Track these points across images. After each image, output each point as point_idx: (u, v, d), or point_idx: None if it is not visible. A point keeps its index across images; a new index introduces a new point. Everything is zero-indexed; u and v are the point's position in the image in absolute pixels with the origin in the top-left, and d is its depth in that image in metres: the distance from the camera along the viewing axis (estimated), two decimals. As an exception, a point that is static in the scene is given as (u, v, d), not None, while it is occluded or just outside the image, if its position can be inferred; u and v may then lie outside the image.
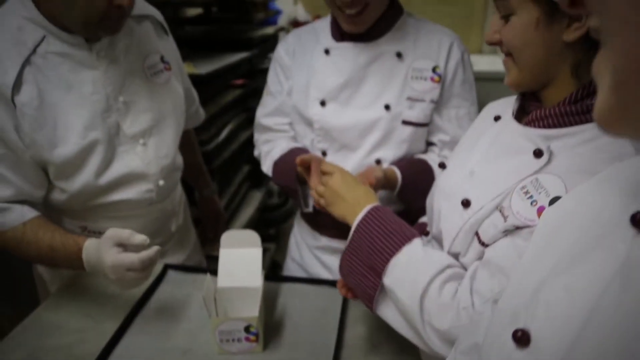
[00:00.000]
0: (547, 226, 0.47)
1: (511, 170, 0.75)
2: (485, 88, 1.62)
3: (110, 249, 0.96)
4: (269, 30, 2.91)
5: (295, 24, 3.31)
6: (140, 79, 1.17)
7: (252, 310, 0.99)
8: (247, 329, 0.96)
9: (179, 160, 1.34)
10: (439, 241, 0.88)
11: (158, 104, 1.21)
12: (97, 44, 1.08)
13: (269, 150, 1.40)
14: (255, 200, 2.77)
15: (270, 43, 2.99)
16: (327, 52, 1.25)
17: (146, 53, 1.20)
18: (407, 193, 1.20)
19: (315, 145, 1.31)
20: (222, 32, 2.56)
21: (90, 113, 1.08)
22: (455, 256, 0.82)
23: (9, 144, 1.02)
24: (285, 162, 1.33)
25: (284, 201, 3.19)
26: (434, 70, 1.20)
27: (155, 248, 0.96)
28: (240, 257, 1.08)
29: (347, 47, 1.23)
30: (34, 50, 1.01)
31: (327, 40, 1.26)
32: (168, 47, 1.29)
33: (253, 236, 1.10)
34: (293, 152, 1.31)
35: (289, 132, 1.43)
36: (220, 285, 1.05)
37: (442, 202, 0.88)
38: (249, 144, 2.70)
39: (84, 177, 1.10)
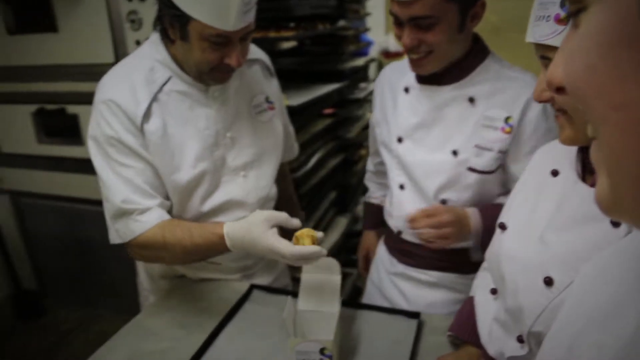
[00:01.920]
0: (583, 282, 0.48)
1: (589, 241, 0.73)
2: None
3: (267, 230, 1.04)
4: (360, 61, 3.01)
5: (386, 54, 3.38)
6: (247, 117, 1.31)
7: (328, 333, 1.04)
8: (322, 351, 1.02)
9: (274, 191, 1.45)
10: (514, 315, 0.85)
11: (260, 140, 1.34)
12: (213, 86, 1.23)
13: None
14: (340, 226, 2.84)
15: (361, 74, 3.09)
16: (406, 90, 1.30)
17: (253, 94, 1.33)
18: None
19: (394, 179, 1.36)
20: (314, 64, 2.69)
21: (202, 146, 1.22)
22: (538, 335, 0.80)
23: (145, 159, 1.17)
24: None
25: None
26: (506, 120, 1.17)
27: (312, 248, 1.01)
28: (321, 282, 1.15)
29: (424, 88, 1.26)
30: (161, 89, 1.18)
31: (410, 78, 1.30)
32: (273, 88, 1.42)
33: (334, 264, 1.15)
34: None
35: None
36: (300, 307, 1.12)
37: (516, 274, 0.84)
38: (337, 170, 2.81)
39: (192, 203, 1.25)
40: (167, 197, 1.22)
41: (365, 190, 1.77)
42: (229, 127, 1.27)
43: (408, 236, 1.38)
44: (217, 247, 1.11)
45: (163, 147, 1.17)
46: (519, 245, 0.86)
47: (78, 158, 2.46)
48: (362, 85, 3.14)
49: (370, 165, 1.68)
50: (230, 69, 1.16)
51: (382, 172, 1.63)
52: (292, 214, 1.68)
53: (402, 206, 1.35)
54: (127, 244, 1.19)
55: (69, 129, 2.51)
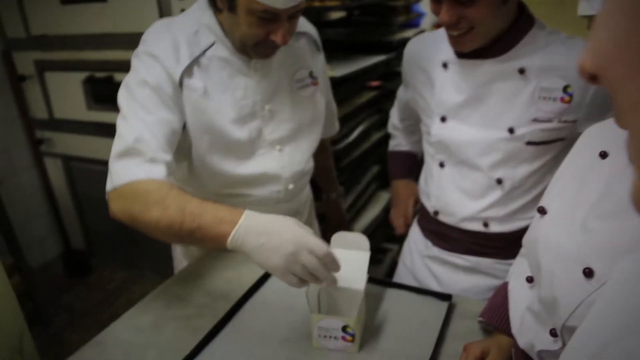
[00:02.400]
0: (619, 278, 0.42)
1: (636, 231, 0.66)
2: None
3: (296, 226, 0.92)
4: (409, 33, 2.90)
5: (438, 26, 3.24)
6: (288, 90, 1.27)
7: (351, 311, 1.01)
8: (344, 329, 0.99)
9: (310, 165, 1.41)
10: (548, 307, 0.79)
11: (299, 115, 1.30)
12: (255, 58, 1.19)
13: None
14: (382, 200, 2.79)
15: (409, 46, 2.98)
16: (445, 66, 1.20)
17: (297, 68, 1.29)
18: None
19: (434, 156, 1.29)
20: (361, 35, 2.61)
21: (237, 115, 1.19)
22: (573, 330, 0.74)
23: (171, 113, 1.10)
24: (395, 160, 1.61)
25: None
26: (565, 89, 1.07)
27: (330, 276, 0.93)
28: (348, 258, 1.11)
29: (466, 64, 1.16)
30: (204, 53, 1.14)
31: (447, 53, 1.20)
32: (318, 63, 1.37)
33: (363, 240, 1.11)
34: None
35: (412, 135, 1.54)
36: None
37: (553, 263, 0.78)
38: (380, 144, 2.74)
39: (224, 168, 1.22)
40: (174, 163, 1.13)
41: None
42: (268, 100, 1.23)
43: (445, 217, 1.31)
44: (220, 228, 0.94)
45: (201, 106, 1.14)
46: (558, 232, 0.78)
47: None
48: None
49: (397, 123, 1.60)
50: (274, 45, 1.12)
51: (415, 131, 1.57)
52: (330, 187, 1.74)
53: (441, 185, 1.29)
54: (115, 192, 1.05)
55: (116, 96, 2.54)
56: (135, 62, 1.13)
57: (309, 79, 1.31)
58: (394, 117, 1.61)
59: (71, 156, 2.90)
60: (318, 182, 1.71)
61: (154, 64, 1.10)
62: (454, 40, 1.11)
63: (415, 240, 1.47)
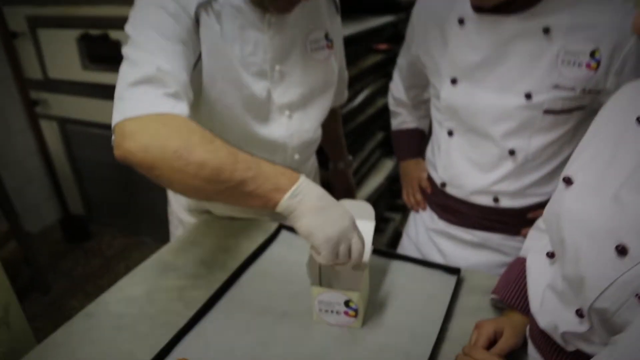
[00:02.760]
0: None
1: None
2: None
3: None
4: (419, -8, 2.76)
5: (449, -14, 3.09)
6: (301, 51, 1.16)
7: (355, 284, 0.95)
8: (347, 303, 0.93)
9: (318, 134, 1.32)
10: (574, 285, 0.72)
11: (311, 80, 1.19)
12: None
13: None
14: (386, 168, 2.72)
15: (419, 6, 2.85)
16: (461, 22, 1.09)
17: (313, 27, 1.17)
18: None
19: (442, 123, 1.20)
20: (368, -7, 2.48)
21: (242, 71, 1.07)
22: (602, 312, 0.66)
23: (187, 44, 0.95)
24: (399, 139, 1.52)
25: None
26: (592, 54, 0.96)
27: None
28: None
29: (484, 19, 1.05)
30: None
31: (464, 7, 1.08)
32: (335, 25, 1.26)
33: (367, 208, 1.04)
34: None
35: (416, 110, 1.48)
36: None
37: (579, 238, 0.70)
38: (386, 110, 2.64)
39: (234, 119, 1.10)
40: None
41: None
42: (279, 59, 1.11)
43: (453, 190, 1.24)
44: (279, 181, 0.82)
45: (220, 47, 1.01)
46: (586, 205, 0.71)
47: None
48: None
49: (401, 96, 1.47)
50: (295, 0, 1.02)
51: (420, 105, 1.48)
52: (338, 156, 1.65)
53: (449, 155, 1.21)
54: (131, 123, 0.82)
55: (112, 56, 2.45)
56: (137, 5, 0.96)
57: (324, 41, 1.20)
58: (397, 90, 1.49)
59: (67, 118, 2.81)
60: (325, 150, 1.62)
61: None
62: None
63: (421, 212, 1.40)
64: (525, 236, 1.19)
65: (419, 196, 1.42)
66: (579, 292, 0.71)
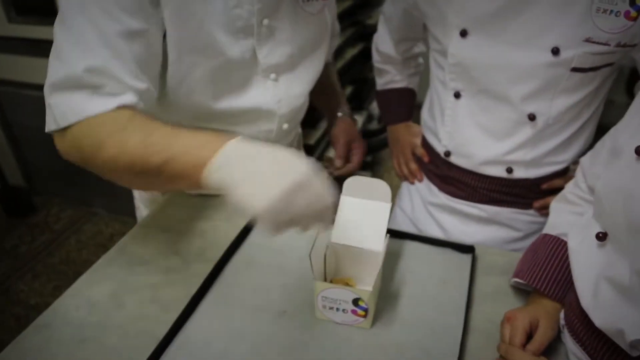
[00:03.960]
0: None
1: None
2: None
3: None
4: None
5: None
6: (291, 3, 0.97)
7: (366, 278, 0.81)
8: (355, 302, 0.79)
9: (307, 99, 1.14)
10: None
11: (301, 37, 1.01)
12: None
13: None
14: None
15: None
16: None
17: None
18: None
19: (448, 83, 1.05)
20: None
21: (225, 29, 0.88)
22: None
23: (144, 16, 0.77)
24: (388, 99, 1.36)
25: (384, 127, 2.96)
26: (632, 2, 0.82)
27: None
28: (365, 210, 0.89)
29: None
30: None
31: None
32: None
33: (383, 187, 0.88)
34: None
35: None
36: (334, 240, 0.87)
37: None
38: (355, 62, 2.48)
39: (207, 95, 0.93)
40: (151, 90, 0.85)
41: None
42: (267, 12, 0.92)
43: (459, 160, 1.10)
44: (199, 154, 0.66)
45: (187, 7, 0.81)
46: None
47: (57, 41, 2.14)
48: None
49: (389, 50, 1.28)
50: None
51: (411, 60, 1.32)
52: (336, 104, 1.31)
53: (456, 120, 1.06)
54: (60, 131, 0.78)
55: (42, 5, 2.15)
56: None
57: None
58: (384, 44, 1.29)
59: (-4, 79, 2.50)
60: (318, 105, 1.31)
61: None
62: None
63: (416, 182, 1.27)
64: (537, 209, 1.09)
65: (413, 165, 1.28)
66: None
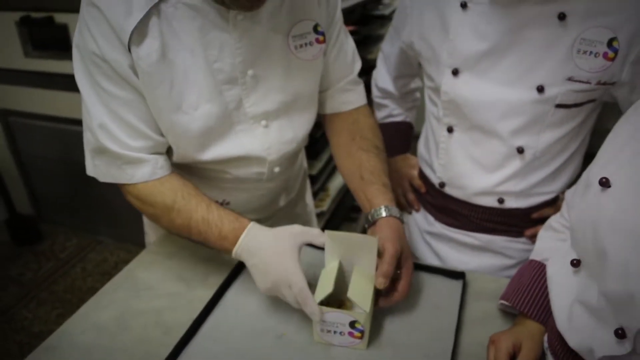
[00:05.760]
0: None
1: None
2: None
3: (293, 248, 0.87)
4: (387, -29, 2.66)
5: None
6: (281, 50, 0.97)
7: (361, 302, 0.84)
8: (352, 324, 0.83)
9: (305, 142, 1.15)
10: (618, 303, 0.64)
11: (295, 83, 1.01)
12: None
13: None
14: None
15: (387, -14, 2.76)
16: (464, 5, 0.98)
17: (297, 19, 0.97)
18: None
19: (441, 118, 1.11)
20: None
21: (210, 82, 0.91)
22: None
23: (134, 85, 0.88)
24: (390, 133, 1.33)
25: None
26: (609, 43, 0.88)
27: (316, 311, 0.82)
28: (353, 242, 0.91)
29: (491, 3, 0.94)
30: None
31: None
32: (330, 10, 1.02)
33: (370, 244, 0.87)
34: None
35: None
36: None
37: (629, 251, 0.62)
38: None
39: (191, 151, 0.98)
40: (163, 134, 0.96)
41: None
42: (251, 63, 0.93)
43: (453, 191, 1.15)
44: (223, 244, 0.92)
45: (158, 76, 0.87)
46: (633, 213, 0.63)
47: (69, 74, 2.20)
48: (387, 0, 2.82)
49: (388, 85, 1.34)
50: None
51: (408, 95, 1.37)
52: (376, 199, 1.00)
53: (449, 153, 1.12)
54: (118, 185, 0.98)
55: (58, 41, 2.24)
56: (80, 18, 0.85)
57: (312, 35, 0.99)
58: (382, 79, 1.35)
59: (9, 110, 2.57)
60: (352, 192, 1.09)
61: (99, 23, 0.82)
62: None
63: (414, 213, 1.31)
64: (528, 237, 1.13)
65: (411, 196, 1.32)
66: (622, 311, 0.63)
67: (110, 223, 2.68)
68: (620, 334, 0.63)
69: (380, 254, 0.88)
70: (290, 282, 0.84)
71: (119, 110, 0.89)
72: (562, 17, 0.89)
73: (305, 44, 0.99)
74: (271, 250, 0.87)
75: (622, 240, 0.63)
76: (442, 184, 1.16)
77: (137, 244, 1.30)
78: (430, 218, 1.24)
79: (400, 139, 1.38)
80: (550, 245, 0.90)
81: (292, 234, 0.88)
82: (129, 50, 0.84)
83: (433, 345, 0.86)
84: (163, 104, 0.90)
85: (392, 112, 1.38)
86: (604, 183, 0.68)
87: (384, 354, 0.85)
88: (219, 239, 0.91)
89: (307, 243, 0.88)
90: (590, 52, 0.90)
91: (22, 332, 2.14)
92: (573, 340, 0.71)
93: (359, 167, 1.05)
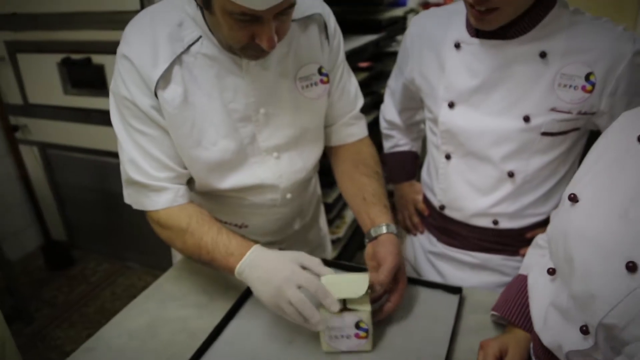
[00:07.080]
0: None
1: None
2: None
3: (297, 264, 0.93)
4: (398, 12, 2.82)
5: (426, 5, 3.17)
6: (289, 91, 1.09)
7: (362, 304, 0.94)
8: (357, 325, 0.93)
9: (315, 170, 1.26)
10: (582, 303, 0.73)
11: (302, 119, 1.13)
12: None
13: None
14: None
15: (399, 25, 2.90)
16: (457, 46, 1.11)
17: (303, 63, 1.09)
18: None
19: (440, 146, 1.22)
20: (349, 14, 2.51)
21: (226, 121, 1.04)
22: (610, 328, 0.68)
23: (159, 124, 1.01)
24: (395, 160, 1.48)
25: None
26: (587, 78, 1.00)
27: (317, 318, 0.88)
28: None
29: (481, 44, 1.07)
30: (188, 49, 0.98)
31: (460, 31, 1.11)
32: (332, 55, 1.14)
33: (361, 281, 0.95)
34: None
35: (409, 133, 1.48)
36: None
37: (589, 257, 0.71)
38: (371, 128, 2.67)
39: (211, 181, 1.10)
40: (186, 167, 1.09)
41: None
42: (263, 102, 1.06)
43: (452, 213, 1.25)
44: (228, 261, 0.98)
45: (181, 117, 1.00)
46: (594, 223, 0.73)
47: (104, 110, 2.39)
48: (400, 37, 2.96)
49: (394, 118, 1.46)
50: (264, 50, 0.93)
51: (413, 126, 1.49)
52: (376, 218, 1.10)
53: (448, 178, 1.23)
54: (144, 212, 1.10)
55: (95, 80, 2.44)
56: (115, 67, 1.01)
57: (317, 76, 1.10)
58: (389, 112, 1.48)
59: (48, 143, 2.77)
60: (354, 213, 1.19)
61: (130, 72, 0.97)
62: (479, 16, 0.99)
63: (418, 235, 1.41)
64: (524, 255, 1.22)
65: (415, 219, 1.43)
66: (586, 309, 0.72)
67: (138, 250, 2.82)
68: (584, 330, 0.72)
69: (379, 265, 1.00)
70: (301, 281, 0.89)
71: (147, 146, 1.03)
72: (543, 55, 1.02)
73: (311, 84, 1.11)
74: (273, 263, 0.93)
75: (585, 247, 0.73)
76: (442, 207, 1.26)
77: (163, 269, 1.40)
78: (433, 239, 1.34)
79: (406, 166, 1.50)
80: (536, 260, 0.99)
81: (294, 254, 0.96)
82: (156, 95, 0.98)
83: (429, 349, 0.96)
84: (185, 141, 1.03)
85: (399, 142, 1.50)
86: (573, 198, 0.78)
87: (383, 357, 0.95)
88: (225, 255, 0.98)
89: (306, 267, 0.93)
90: (570, 85, 1.01)
91: (55, 350, 2.26)
92: (546, 339, 0.80)
93: (361, 189, 1.15)
